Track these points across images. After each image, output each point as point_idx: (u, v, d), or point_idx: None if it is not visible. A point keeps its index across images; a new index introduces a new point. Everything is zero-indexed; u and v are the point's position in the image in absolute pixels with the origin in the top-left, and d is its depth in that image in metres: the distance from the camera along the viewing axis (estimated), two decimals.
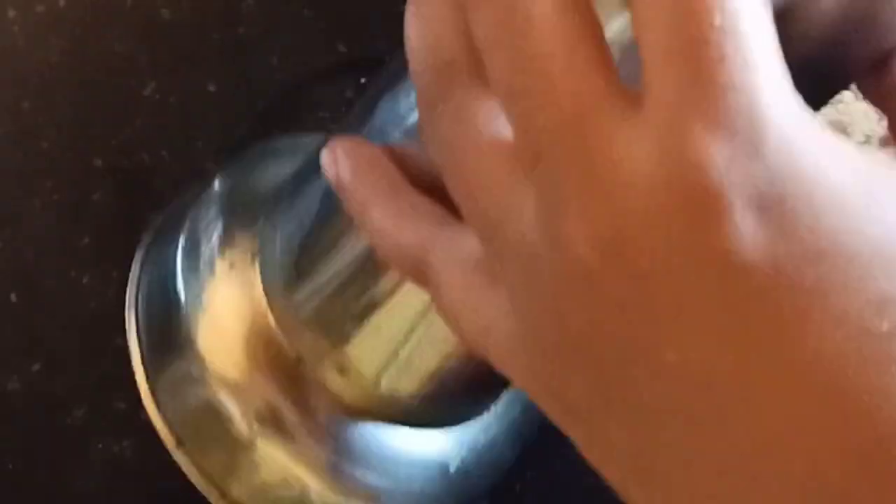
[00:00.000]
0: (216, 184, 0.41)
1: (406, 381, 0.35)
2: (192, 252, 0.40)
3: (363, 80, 0.49)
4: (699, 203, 0.21)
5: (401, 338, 0.34)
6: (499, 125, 0.24)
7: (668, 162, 0.21)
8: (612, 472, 0.24)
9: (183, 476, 0.45)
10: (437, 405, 0.36)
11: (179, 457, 0.39)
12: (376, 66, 0.49)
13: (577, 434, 0.24)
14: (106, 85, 0.49)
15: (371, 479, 0.38)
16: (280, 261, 0.37)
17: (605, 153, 0.22)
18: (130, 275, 0.41)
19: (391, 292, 0.34)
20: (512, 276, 0.24)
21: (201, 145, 0.48)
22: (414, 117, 0.31)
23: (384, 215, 0.29)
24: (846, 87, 0.28)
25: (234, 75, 0.49)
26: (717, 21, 0.21)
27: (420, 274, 0.28)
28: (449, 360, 0.34)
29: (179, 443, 0.38)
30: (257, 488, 0.38)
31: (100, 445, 0.45)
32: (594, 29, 0.23)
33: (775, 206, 0.21)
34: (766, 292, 0.21)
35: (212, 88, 0.49)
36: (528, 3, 0.22)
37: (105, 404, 0.46)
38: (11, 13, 0.49)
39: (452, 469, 0.39)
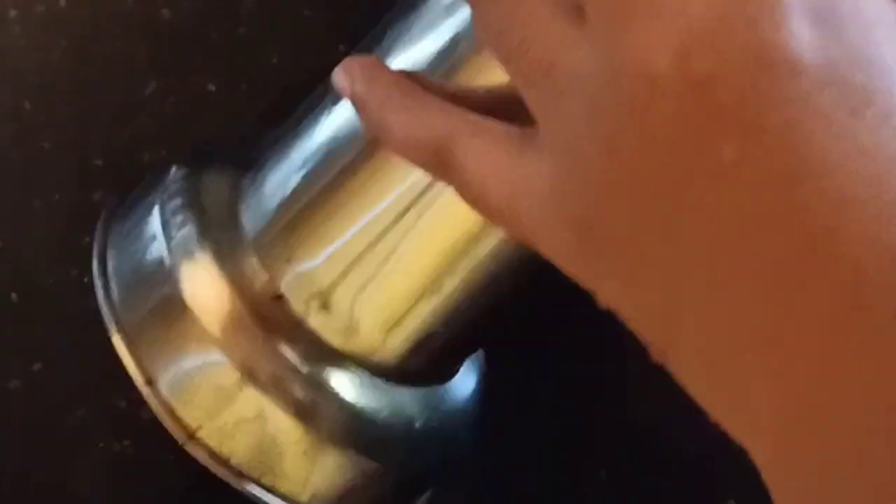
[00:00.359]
0: (174, 168, 0.42)
1: (387, 321, 0.36)
2: (167, 220, 0.40)
3: None
4: (761, 8, 0.22)
5: (378, 271, 0.35)
6: None
7: None
8: (640, 308, 0.25)
9: (185, 474, 0.45)
10: (409, 356, 0.37)
11: (147, 393, 0.39)
12: None
13: (606, 283, 0.25)
14: (106, 85, 0.49)
15: (340, 424, 0.38)
16: (260, 200, 0.38)
17: None
18: (95, 240, 0.41)
19: (371, 222, 0.35)
20: (561, 118, 0.25)
21: (202, 144, 0.48)
22: (423, 42, 0.32)
23: (403, 114, 0.30)
24: None
25: (234, 75, 0.49)
26: None
27: (441, 162, 0.28)
28: (424, 305, 0.35)
29: (149, 381, 0.38)
30: (228, 429, 0.38)
31: (101, 445, 0.45)
32: None
33: (829, 15, 0.23)
34: (821, 89, 0.22)
35: (212, 88, 0.49)
36: None
37: (106, 404, 0.46)
38: (12, 13, 0.49)
39: (417, 425, 0.40)
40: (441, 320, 0.36)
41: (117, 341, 0.39)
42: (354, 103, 0.31)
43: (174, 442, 0.45)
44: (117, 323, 0.39)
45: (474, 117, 0.28)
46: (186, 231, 0.39)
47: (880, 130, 0.22)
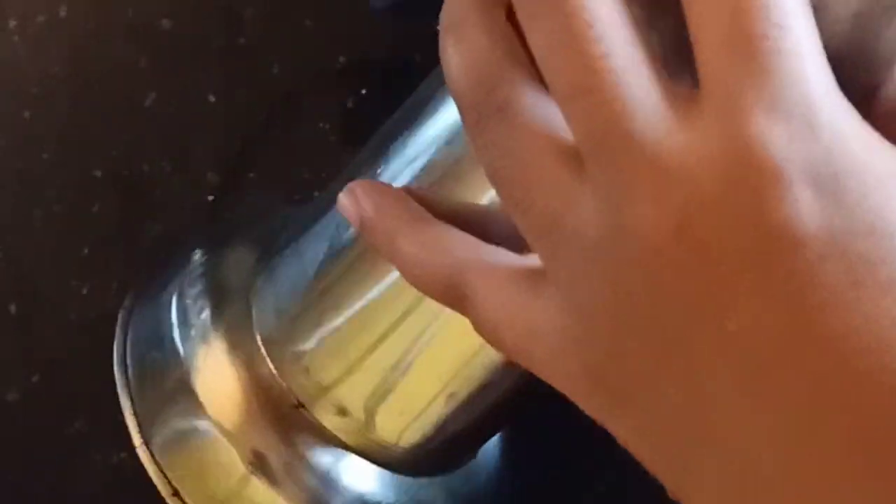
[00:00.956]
0: (198, 252, 0.42)
1: (402, 424, 0.36)
2: (185, 310, 0.40)
3: (363, 91, 0.48)
4: (762, 180, 0.23)
5: (399, 379, 0.35)
6: (550, 123, 0.26)
7: (732, 144, 0.23)
8: (657, 450, 0.25)
9: None
10: (426, 453, 0.37)
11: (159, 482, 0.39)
12: (377, 76, 0.49)
13: (621, 425, 0.25)
14: (106, 94, 0.49)
15: None
16: (275, 311, 0.38)
17: (669, 144, 0.23)
18: (116, 333, 0.41)
19: (388, 334, 0.34)
20: (567, 270, 0.25)
21: (202, 155, 0.48)
22: (422, 161, 0.32)
23: (413, 243, 0.30)
24: None
25: (234, 85, 0.49)
26: (774, 18, 0.23)
27: (455, 296, 0.28)
28: (441, 408, 0.35)
29: (175, 493, 0.39)
30: None
31: (99, 456, 0.45)
32: (644, 36, 0.25)
33: (830, 182, 0.23)
34: (823, 261, 0.22)
35: (212, 98, 0.49)
36: (587, 9, 0.24)
37: (104, 415, 0.45)
38: (12, 23, 0.49)
39: None
40: (458, 420, 0.36)
41: (134, 433, 0.40)
42: (362, 231, 0.32)
43: None
44: (140, 427, 0.40)
45: (485, 251, 0.29)
46: (203, 321, 0.39)
47: (883, 299, 0.22)
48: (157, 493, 0.45)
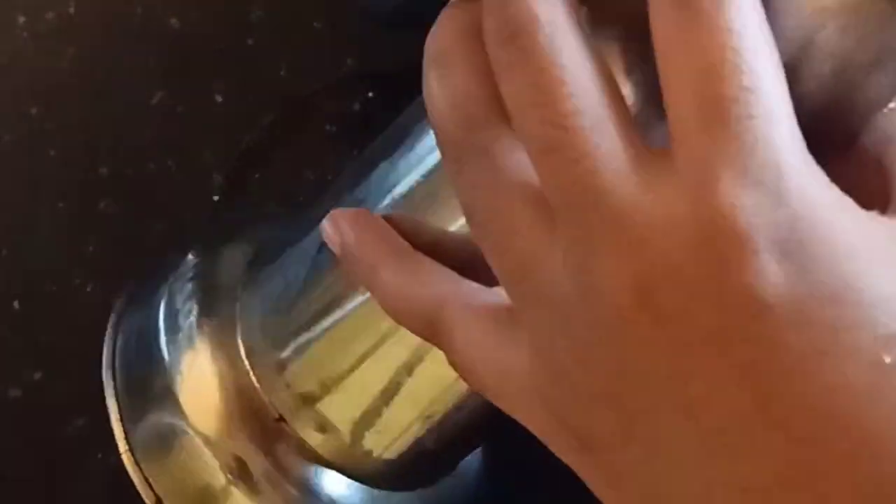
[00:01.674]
0: (190, 255, 0.42)
1: (382, 442, 0.36)
2: (173, 316, 0.40)
3: (370, 95, 0.48)
4: (728, 246, 0.22)
5: (379, 398, 0.35)
6: (527, 171, 0.25)
7: (699, 210, 0.23)
8: (621, 499, 0.25)
9: None
10: (405, 469, 0.37)
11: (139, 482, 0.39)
12: (384, 80, 0.49)
13: (588, 470, 0.25)
14: (114, 93, 0.49)
15: None
16: (260, 323, 0.38)
17: (636, 204, 0.23)
18: (106, 338, 0.41)
19: (370, 354, 0.34)
20: (538, 320, 0.25)
21: (208, 155, 0.48)
22: (402, 188, 0.32)
23: (394, 276, 0.30)
24: None
25: (241, 86, 0.49)
26: (746, 82, 0.23)
27: (432, 330, 0.29)
28: (420, 428, 0.35)
29: (159, 501, 0.39)
30: None
31: (99, 455, 0.45)
32: (617, 90, 0.25)
33: (796, 250, 0.22)
34: (787, 329, 0.22)
35: (219, 99, 0.49)
36: (560, 65, 0.24)
37: (105, 414, 0.45)
38: (21, 19, 0.49)
39: None
40: (438, 439, 0.36)
41: (120, 438, 0.40)
42: (343, 260, 0.32)
43: None
44: (125, 434, 0.40)
45: (464, 287, 0.29)
46: (189, 326, 0.39)
47: (847, 368, 0.22)
48: None
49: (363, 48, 0.45)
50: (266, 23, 0.50)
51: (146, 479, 0.39)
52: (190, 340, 0.39)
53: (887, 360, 0.22)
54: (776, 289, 0.22)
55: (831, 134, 0.25)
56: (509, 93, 0.25)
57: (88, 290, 0.47)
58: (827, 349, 0.22)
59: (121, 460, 0.45)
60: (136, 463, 0.39)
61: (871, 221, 0.24)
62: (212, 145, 0.48)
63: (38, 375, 0.46)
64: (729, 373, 0.23)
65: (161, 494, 0.39)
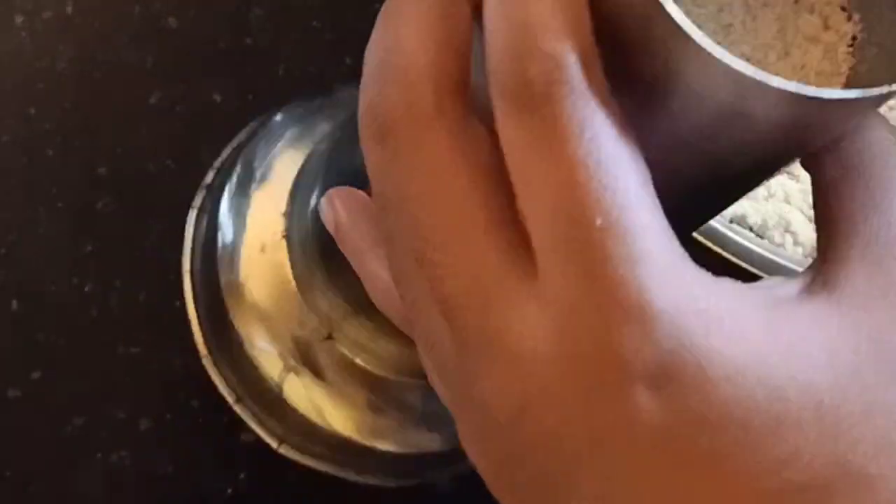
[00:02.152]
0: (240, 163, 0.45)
1: None
2: (232, 229, 0.43)
3: None
4: (596, 379, 0.22)
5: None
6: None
7: (567, 341, 0.22)
8: None
9: (181, 487, 0.45)
10: None
11: (240, 409, 0.42)
12: None
13: None
14: (112, 92, 0.49)
15: (394, 428, 0.41)
16: (308, 241, 0.40)
17: (508, 324, 0.23)
18: (186, 233, 0.45)
19: None
20: (443, 389, 0.26)
21: (206, 155, 0.48)
22: None
23: (379, 263, 0.30)
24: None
25: (240, 85, 0.49)
26: (599, 222, 0.21)
27: (409, 329, 0.28)
28: None
29: (238, 400, 0.42)
30: (306, 431, 0.41)
31: (98, 455, 0.45)
32: (494, 199, 0.23)
33: (666, 384, 0.21)
34: (661, 459, 0.22)
35: (217, 98, 0.49)
36: (433, 183, 0.23)
37: (104, 414, 0.46)
38: (19, 19, 0.49)
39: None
40: None
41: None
42: (337, 239, 0.32)
43: (171, 452, 0.45)
44: (204, 337, 0.43)
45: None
46: (243, 261, 0.42)
47: (703, 491, 0.22)
48: (156, 491, 0.45)
49: (361, 47, 0.45)
50: (264, 22, 0.50)
51: (225, 380, 0.42)
52: (245, 261, 0.42)
53: (774, 485, 0.21)
54: (650, 421, 0.22)
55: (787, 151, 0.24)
56: (384, 205, 0.25)
57: (87, 289, 0.47)
58: (703, 479, 0.22)
59: (121, 459, 0.45)
60: (215, 364, 0.42)
61: (766, 334, 0.22)
62: (210, 144, 0.48)
63: (36, 375, 0.46)
64: (603, 494, 0.22)
65: (241, 393, 0.41)
